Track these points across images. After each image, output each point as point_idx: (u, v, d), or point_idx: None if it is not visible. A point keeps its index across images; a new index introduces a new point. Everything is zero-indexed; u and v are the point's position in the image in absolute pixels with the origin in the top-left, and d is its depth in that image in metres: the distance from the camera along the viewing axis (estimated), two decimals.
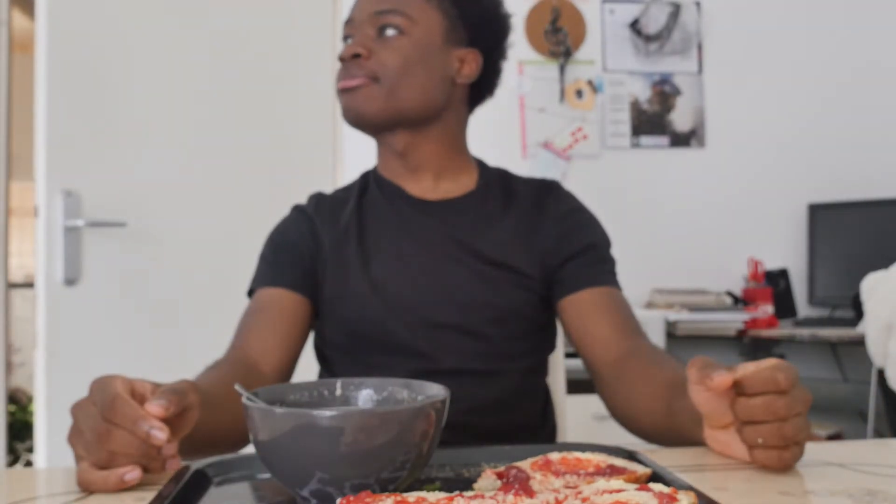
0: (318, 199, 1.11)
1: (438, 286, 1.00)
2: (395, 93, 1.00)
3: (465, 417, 0.94)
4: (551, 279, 1.04)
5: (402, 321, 0.99)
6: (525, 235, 1.04)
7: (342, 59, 1.01)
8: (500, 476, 0.59)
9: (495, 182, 1.09)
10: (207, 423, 0.73)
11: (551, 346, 1.11)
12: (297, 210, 1.10)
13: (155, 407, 0.61)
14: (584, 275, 1.02)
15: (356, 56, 0.99)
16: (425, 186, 1.06)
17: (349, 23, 1.03)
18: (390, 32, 1.00)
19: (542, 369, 1.10)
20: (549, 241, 1.04)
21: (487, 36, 1.07)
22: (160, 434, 0.60)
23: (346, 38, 1.04)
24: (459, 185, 1.08)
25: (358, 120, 1.02)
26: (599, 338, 0.98)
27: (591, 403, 2.22)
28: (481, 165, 1.12)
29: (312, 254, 1.04)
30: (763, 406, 0.62)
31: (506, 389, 1.01)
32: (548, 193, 1.09)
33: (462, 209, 1.05)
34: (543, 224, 1.05)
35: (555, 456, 0.64)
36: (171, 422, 0.64)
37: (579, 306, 1.01)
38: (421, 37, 1.01)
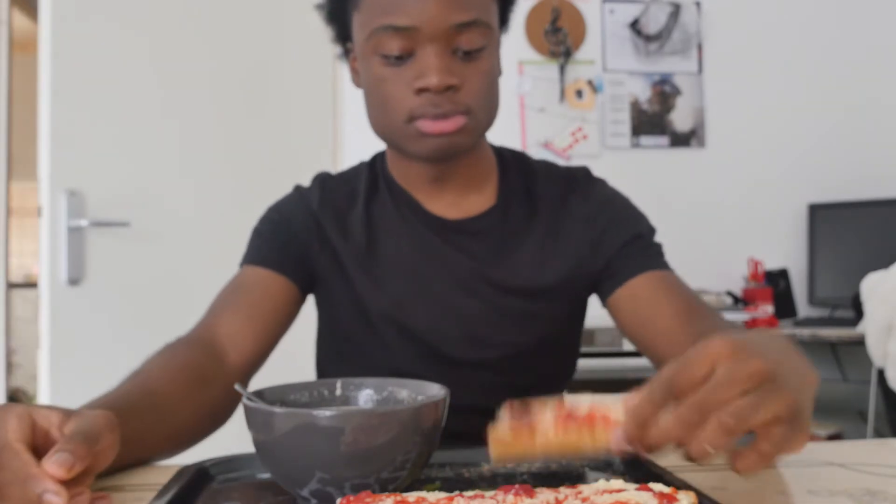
0: (322, 190, 0.98)
1: (455, 320, 0.92)
2: (484, 120, 0.88)
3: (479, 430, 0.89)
4: (594, 283, 0.95)
5: (413, 353, 0.92)
6: (552, 249, 0.94)
7: (429, 89, 0.81)
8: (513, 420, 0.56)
9: (517, 189, 0.97)
10: (145, 435, 0.68)
11: (573, 370, 1.04)
12: (301, 198, 0.98)
13: (53, 467, 0.51)
14: (632, 264, 0.91)
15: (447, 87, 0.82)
16: (447, 202, 0.95)
17: (407, 31, 0.81)
18: (472, 48, 0.83)
19: (562, 388, 1.04)
20: (582, 248, 0.94)
21: (510, 12, 0.93)
22: (55, 499, 0.51)
23: (391, 55, 0.83)
24: (482, 197, 0.96)
25: (446, 157, 0.88)
26: (661, 330, 0.86)
27: None
28: (500, 163, 0.99)
29: (314, 252, 0.95)
30: (691, 409, 0.47)
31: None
32: (573, 191, 0.97)
33: (482, 231, 0.94)
34: (573, 230, 0.95)
35: (583, 409, 0.54)
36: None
37: (633, 298, 0.90)
38: (496, 45, 0.88)
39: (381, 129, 0.90)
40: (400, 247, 0.94)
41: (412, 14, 0.80)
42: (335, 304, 0.96)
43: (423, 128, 0.83)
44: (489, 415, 0.87)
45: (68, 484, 0.52)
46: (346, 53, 0.95)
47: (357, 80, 0.93)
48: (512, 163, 1.00)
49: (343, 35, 0.93)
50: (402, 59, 0.83)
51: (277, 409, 0.56)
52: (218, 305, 0.91)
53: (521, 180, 0.98)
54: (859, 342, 2.21)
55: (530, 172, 0.99)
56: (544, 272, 0.93)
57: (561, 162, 1.07)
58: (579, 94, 2.87)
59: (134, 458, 0.69)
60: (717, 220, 2.90)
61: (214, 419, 0.82)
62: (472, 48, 0.82)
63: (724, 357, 0.48)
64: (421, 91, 0.82)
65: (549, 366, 0.98)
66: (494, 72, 0.87)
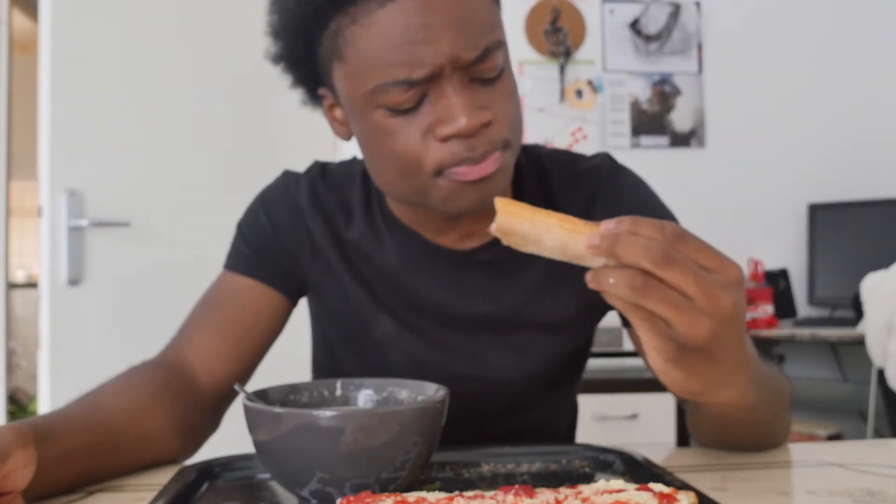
0: (311, 193, 0.88)
1: (461, 356, 0.84)
2: (518, 148, 0.76)
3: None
4: (614, 311, 0.85)
5: None
6: (571, 277, 0.79)
7: (461, 134, 0.68)
8: None
9: (533, 203, 0.81)
10: (95, 449, 0.65)
11: (577, 392, 0.98)
12: (289, 194, 0.89)
13: None
14: None
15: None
16: (457, 234, 0.83)
17: (414, 83, 0.67)
18: (493, 75, 0.70)
19: (574, 393, 0.97)
20: None
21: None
22: None
23: (405, 105, 0.68)
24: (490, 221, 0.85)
25: (485, 205, 0.69)
26: None
27: (592, 403, 2.23)
28: (515, 173, 0.84)
29: (305, 261, 0.86)
30: (668, 259, 0.48)
31: (530, 426, 0.89)
32: (596, 197, 0.86)
33: (492, 262, 0.84)
34: None
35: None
36: None
37: None
38: (508, 56, 0.74)
39: (398, 190, 0.76)
40: (396, 276, 0.85)
41: (427, 61, 0.66)
42: (329, 320, 0.89)
43: (459, 176, 0.69)
44: (495, 434, 0.83)
45: None
46: (318, 99, 0.79)
47: (343, 131, 0.79)
48: (527, 169, 0.88)
49: (310, 80, 0.77)
50: (412, 108, 0.69)
51: (277, 410, 0.56)
52: (190, 323, 0.84)
53: (537, 190, 0.86)
54: (859, 342, 2.21)
55: (547, 178, 0.87)
56: (559, 305, 0.84)
57: None
58: (579, 94, 2.87)
59: (76, 473, 0.64)
60: (717, 220, 2.89)
61: (184, 439, 0.76)
62: (494, 75, 0.70)
63: (735, 276, 0.50)
64: (448, 137, 0.68)
65: (560, 386, 0.91)
66: (516, 89, 0.75)
